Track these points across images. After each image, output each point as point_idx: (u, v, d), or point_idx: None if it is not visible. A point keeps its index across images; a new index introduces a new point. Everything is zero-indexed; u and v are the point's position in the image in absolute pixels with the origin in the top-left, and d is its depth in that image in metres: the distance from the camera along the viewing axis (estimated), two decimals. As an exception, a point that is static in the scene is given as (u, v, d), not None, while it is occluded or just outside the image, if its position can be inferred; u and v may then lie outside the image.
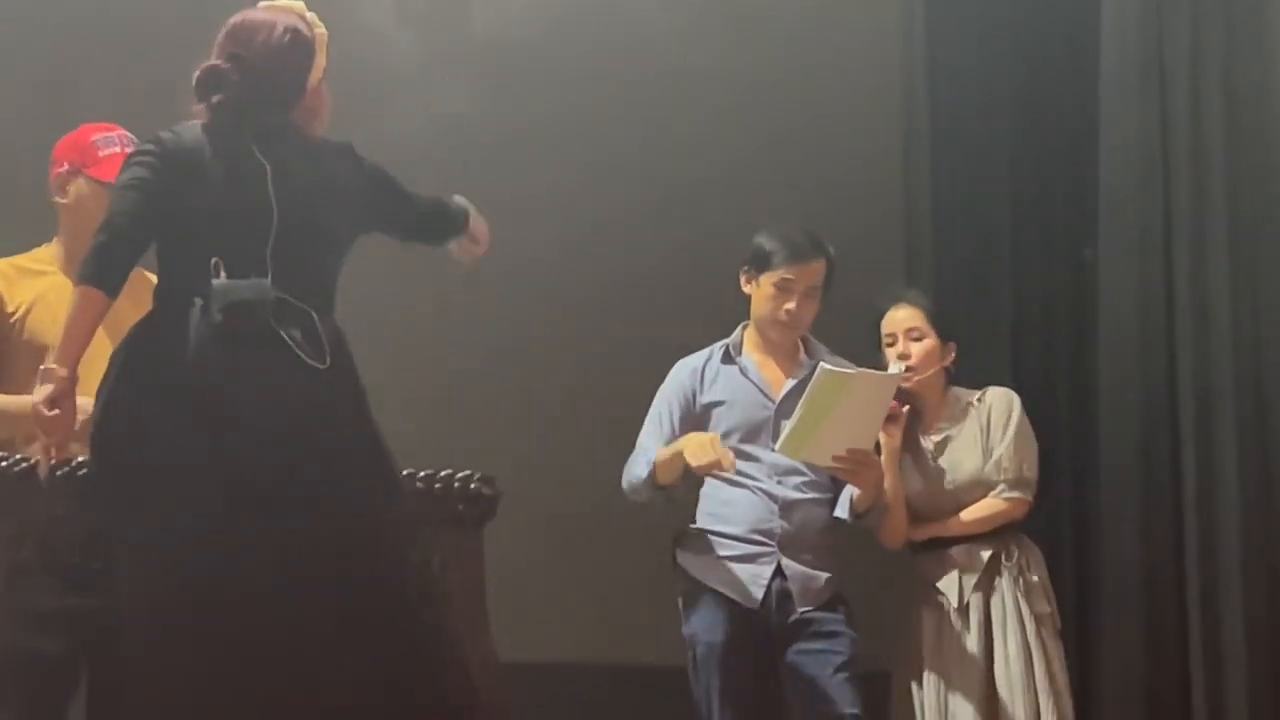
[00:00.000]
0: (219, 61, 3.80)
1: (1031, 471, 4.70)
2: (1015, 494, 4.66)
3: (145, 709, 3.60)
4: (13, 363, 4.17)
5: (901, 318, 4.74)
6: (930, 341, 4.71)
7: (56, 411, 3.58)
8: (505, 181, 6.19)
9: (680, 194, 6.48)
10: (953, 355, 4.78)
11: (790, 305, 4.58)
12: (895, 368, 4.60)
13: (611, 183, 6.51)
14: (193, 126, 3.80)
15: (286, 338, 3.65)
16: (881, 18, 6.56)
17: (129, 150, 4.26)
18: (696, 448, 4.45)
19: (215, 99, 3.78)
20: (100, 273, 3.68)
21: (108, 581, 3.69)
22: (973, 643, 4.55)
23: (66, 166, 4.30)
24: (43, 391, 3.58)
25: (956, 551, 4.65)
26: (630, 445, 4.76)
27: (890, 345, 4.72)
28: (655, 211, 6.49)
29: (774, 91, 6.64)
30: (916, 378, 4.72)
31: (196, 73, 3.80)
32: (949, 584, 4.64)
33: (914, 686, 4.63)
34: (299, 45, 3.86)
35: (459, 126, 6.41)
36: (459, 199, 4.12)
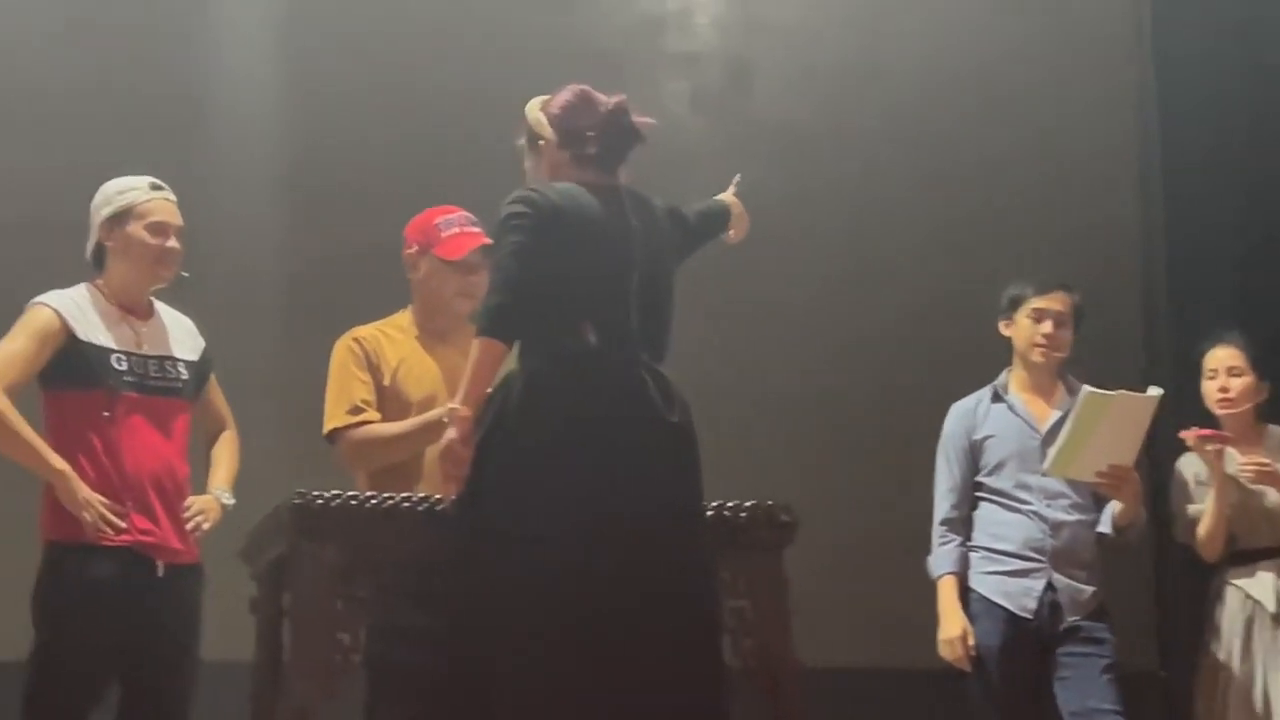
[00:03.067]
0: (583, 122, 3.84)
1: None
2: None
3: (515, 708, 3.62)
4: (383, 414, 4.21)
5: (1224, 355, 4.78)
6: (1248, 378, 4.73)
7: (466, 449, 3.65)
8: (788, 243, 6.32)
9: (944, 249, 6.53)
10: (1265, 394, 4.80)
11: (1046, 329, 4.66)
12: (1154, 391, 4.54)
13: (881, 239, 6.60)
14: (554, 185, 3.81)
15: (653, 396, 3.68)
16: (1116, 80, 6.63)
17: (469, 230, 4.31)
18: (945, 643, 4.63)
19: (587, 151, 3.80)
20: (497, 327, 3.68)
21: (468, 600, 3.71)
22: None
23: (416, 247, 4.31)
24: (454, 431, 3.62)
25: (1267, 563, 4.67)
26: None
27: (1211, 379, 4.76)
28: (924, 264, 6.56)
29: (1019, 156, 6.66)
30: (1234, 410, 4.77)
31: (564, 127, 3.84)
32: (1264, 591, 4.65)
33: (1220, 687, 4.64)
34: (627, 115, 3.86)
35: (745, 198, 6.47)
36: (721, 199, 4.17)
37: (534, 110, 3.93)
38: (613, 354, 3.70)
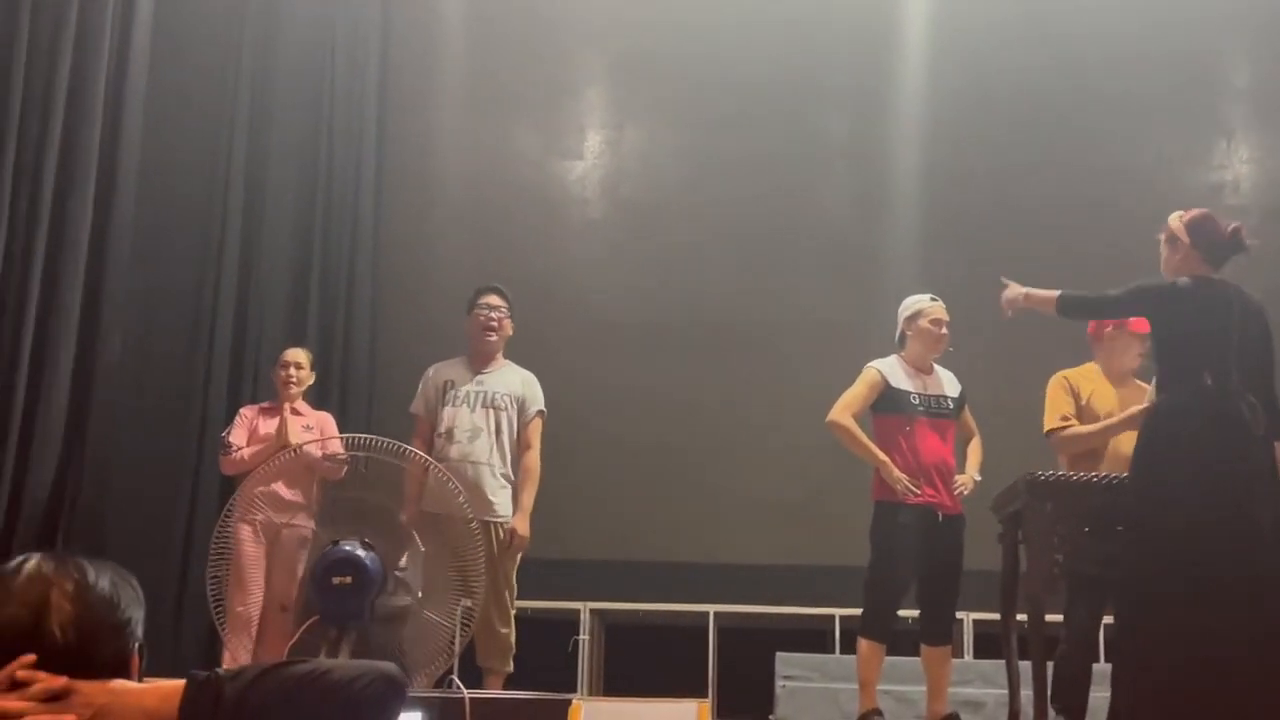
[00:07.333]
0: (1208, 234, 4.32)
1: None
2: None
3: (1154, 635, 4.11)
4: (1080, 422, 5.07)
5: None
6: None
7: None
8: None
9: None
10: None
11: None
12: None
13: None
14: (1178, 278, 4.31)
15: (1245, 414, 4.18)
16: None
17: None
18: None
19: (1207, 252, 4.31)
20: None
21: (1132, 547, 4.24)
22: None
23: (1110, 326, 5.15)
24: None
25: None
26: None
27: None
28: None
29: None
30: None
31: (1195, 234, 4.31)
32: None
33: None
34: (1240, 234, 4.37)
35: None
36: None
37: (1176, 220, 4.46)
38: (1220, 388, 4.19)
